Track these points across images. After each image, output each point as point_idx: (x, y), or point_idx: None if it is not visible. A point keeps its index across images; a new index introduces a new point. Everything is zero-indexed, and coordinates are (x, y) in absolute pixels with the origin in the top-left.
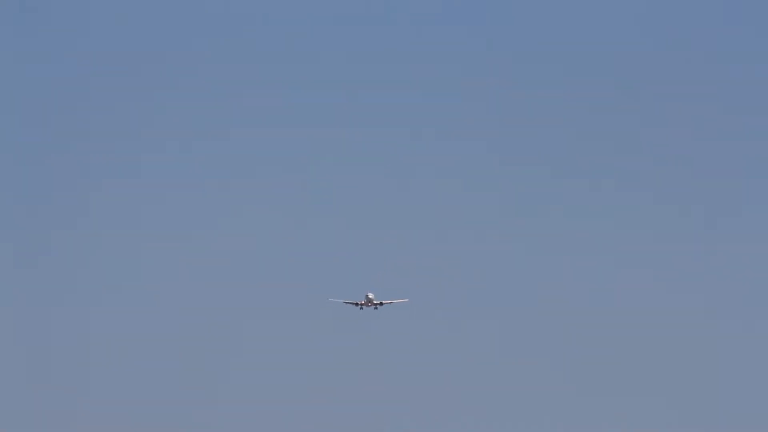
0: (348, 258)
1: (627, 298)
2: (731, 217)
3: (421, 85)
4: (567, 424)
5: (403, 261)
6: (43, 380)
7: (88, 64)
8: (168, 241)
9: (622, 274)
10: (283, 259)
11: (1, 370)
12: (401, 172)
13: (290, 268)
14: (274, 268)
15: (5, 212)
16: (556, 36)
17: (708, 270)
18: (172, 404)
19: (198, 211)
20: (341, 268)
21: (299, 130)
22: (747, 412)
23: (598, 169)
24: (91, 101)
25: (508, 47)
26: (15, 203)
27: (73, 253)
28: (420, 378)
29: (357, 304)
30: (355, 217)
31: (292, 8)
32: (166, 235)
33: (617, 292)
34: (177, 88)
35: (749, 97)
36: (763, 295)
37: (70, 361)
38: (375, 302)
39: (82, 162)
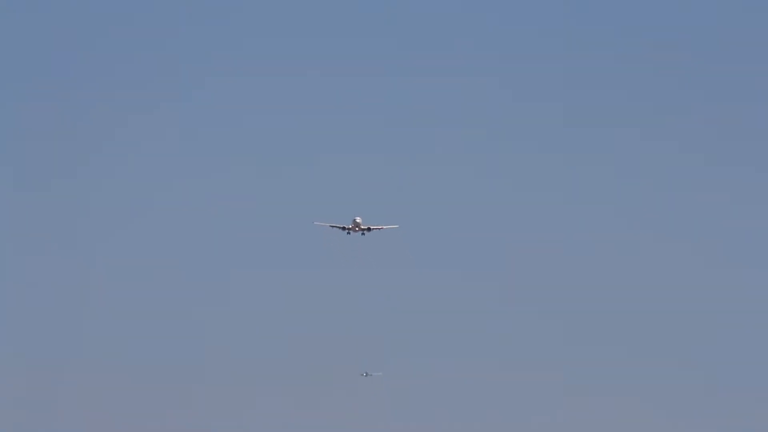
0: (337, 182)
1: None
2: None
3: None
4: (551, 352)
5: (394, 186)
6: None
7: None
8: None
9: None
10: (270, 183)
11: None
12: (396, 101)
13: (276, 193)
14: (261, 192)
15: None
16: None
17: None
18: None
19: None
20: (329, 192)
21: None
22: None
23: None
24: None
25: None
26: None
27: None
28: (409, 307)
29: (344, 228)
30: (347, 142)
31: None
32: (162, 169)
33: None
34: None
35: None
36: None
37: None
38: (363, 227)
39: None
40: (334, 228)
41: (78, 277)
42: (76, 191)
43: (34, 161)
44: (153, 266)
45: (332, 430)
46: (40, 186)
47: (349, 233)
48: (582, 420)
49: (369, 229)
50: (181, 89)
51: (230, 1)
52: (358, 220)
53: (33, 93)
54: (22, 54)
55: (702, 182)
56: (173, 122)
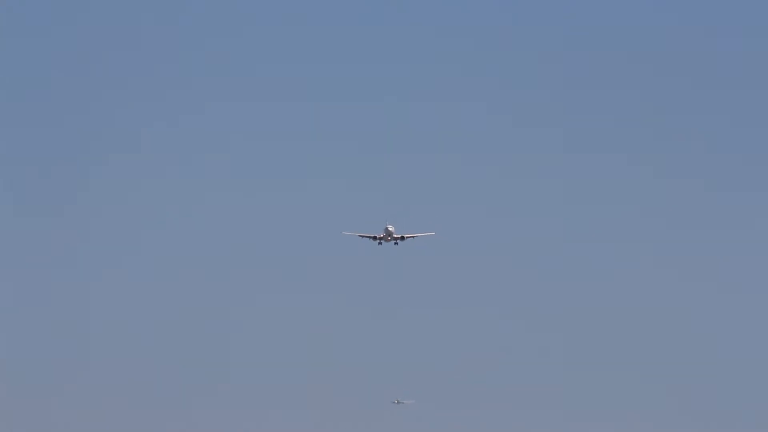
0: (367, 189)
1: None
2: None
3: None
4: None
5: (429, 191)
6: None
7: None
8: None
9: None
10: (296, 190)
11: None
12: (427, 102)
13: (303, 201)
14: (287, 200)
15: None
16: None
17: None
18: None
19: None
20: (359, 199)
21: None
22: None
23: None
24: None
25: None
26: None
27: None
28: (445, 322)
29: (375, 238)
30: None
31: None
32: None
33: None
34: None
35: None
36: None
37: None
38: (396, 236)
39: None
40: (364, 238)
41: (79, 282)
42: (75, 196)
43: (34, 168)
44: (156, 273)
45: None
46: (39, 189)
47: (380, 243)
48: None
49: (402, 238)
50: (183, 107)
51: (235, 23)
52: (391, 228)
53: (32, 96)
54: (25, 68)
55: (701, 188)
56: (180, 135)
